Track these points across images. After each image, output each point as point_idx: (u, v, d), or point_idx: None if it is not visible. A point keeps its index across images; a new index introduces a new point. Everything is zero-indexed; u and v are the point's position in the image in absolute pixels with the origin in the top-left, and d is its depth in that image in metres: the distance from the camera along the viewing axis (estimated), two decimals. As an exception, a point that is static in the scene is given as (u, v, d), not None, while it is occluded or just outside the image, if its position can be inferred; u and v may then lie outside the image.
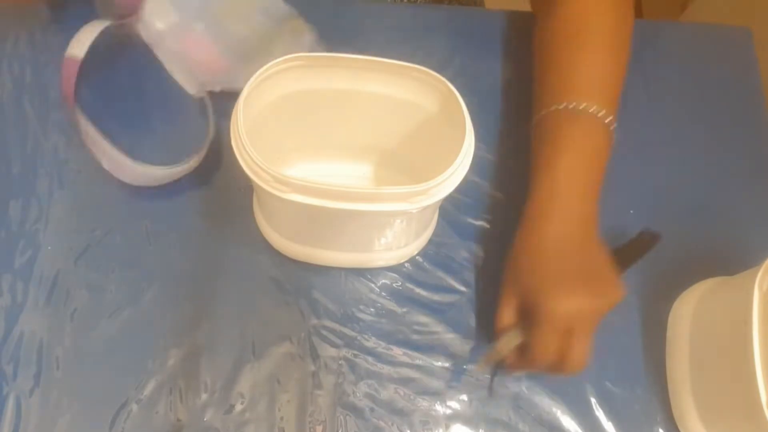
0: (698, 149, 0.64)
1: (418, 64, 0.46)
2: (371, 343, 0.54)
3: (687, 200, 0.61)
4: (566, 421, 0.53)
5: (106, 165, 0.53)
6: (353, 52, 0.45)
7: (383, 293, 0.56)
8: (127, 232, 0.55)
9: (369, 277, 0.56)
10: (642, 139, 0.63)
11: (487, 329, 0.55)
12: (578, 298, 0.45)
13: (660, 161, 0.63)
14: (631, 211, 0.60)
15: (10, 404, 0.50)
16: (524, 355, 0.48)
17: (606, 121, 0.50)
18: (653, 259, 0.54)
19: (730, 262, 0.57)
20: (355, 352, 0.54)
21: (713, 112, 0.66)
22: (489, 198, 0.60)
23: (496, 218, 0.59)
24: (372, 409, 0.52)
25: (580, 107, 0.50)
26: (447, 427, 0.52)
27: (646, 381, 0.55)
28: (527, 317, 0.47)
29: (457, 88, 0.45)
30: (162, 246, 0.55)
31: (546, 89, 0.53)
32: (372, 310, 0.55)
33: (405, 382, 0.53)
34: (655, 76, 0.66)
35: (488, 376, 0.54)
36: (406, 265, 0.57)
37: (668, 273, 0.58)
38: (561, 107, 0.51)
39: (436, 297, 0.56)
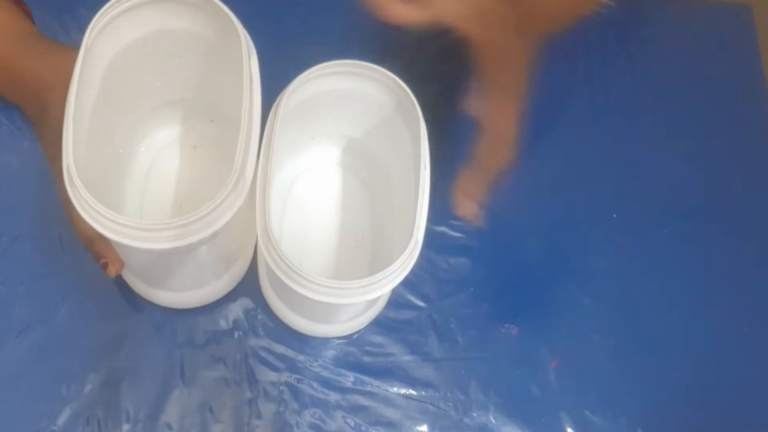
0: (691, 145, 0.62)
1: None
2: (317, 366, 0.52)
3: (679, 203, 0.60)
4: (538, 455, 0.51)
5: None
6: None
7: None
8: (38, 239, 0.52)
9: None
10: (627, 131, 0.62)
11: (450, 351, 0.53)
12: None
13: (648, 158, 0.61)
14: (614, 215, 0.59)
15: None
16: None
17: None
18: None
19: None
20: (299, 376, 0.51)
21: (708, 101, 0.64)
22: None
23: (462, 223, 0.56)
24: (317, 442, 0.50)
25: None
26: (403, 462, 0.50)
27: (631, 408, 0.52)
28: None
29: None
30: (78, 256, 0.51)
31: None
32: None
33: (355, 411, 0.51)
34: (643, 60, 0.65)
35: (451, 404, 0.51)
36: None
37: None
38: None
39: (391, 314, 0.54)
